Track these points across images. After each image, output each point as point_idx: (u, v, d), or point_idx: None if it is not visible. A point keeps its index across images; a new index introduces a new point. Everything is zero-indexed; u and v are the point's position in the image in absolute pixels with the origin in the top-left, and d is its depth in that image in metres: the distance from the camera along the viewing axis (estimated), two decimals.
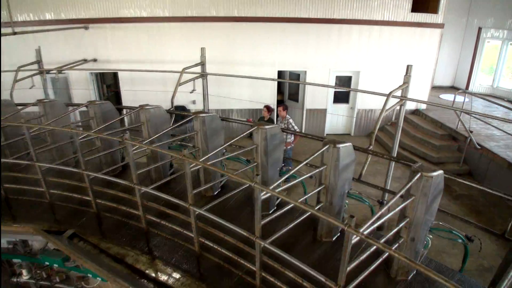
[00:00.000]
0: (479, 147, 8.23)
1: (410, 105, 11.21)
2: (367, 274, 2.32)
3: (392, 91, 4.61)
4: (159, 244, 3.60)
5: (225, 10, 9.82)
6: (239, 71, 9.30)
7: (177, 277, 3.27)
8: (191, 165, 2.93)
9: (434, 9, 10.32)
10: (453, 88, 14.10)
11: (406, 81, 4.92)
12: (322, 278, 2.31)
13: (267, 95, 10.75)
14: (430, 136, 9.88)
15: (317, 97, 10.98)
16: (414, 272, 3.15)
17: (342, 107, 11.45)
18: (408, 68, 4.90)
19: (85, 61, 10.20)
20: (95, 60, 10.32)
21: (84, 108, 4.87)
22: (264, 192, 2.52)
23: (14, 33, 7.23)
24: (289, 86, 12.01)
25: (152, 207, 3.51)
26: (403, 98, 4.96)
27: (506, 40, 12.52)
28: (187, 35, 9.99)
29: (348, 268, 2.11)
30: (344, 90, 11.27)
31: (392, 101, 4.87)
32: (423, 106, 11.38)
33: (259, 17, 9.90)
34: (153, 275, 3.35)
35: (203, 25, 9.93)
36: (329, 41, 10.37)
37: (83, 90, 10.61)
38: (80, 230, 3.94)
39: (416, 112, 11.43)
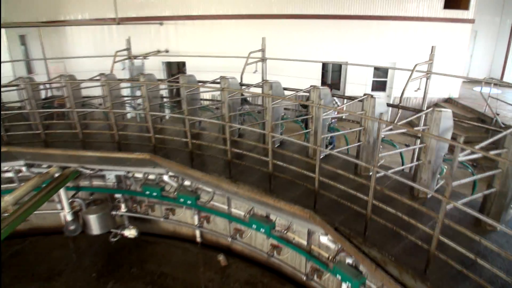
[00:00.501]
0: (503, 125, 9.29)
1: (442, 94, 12.28)
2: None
3: (417, 64, 6.03)
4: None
5: (279, 8, 11.49)
6: (290, 62, 10.92)
7: None
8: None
9: (465, 6, 11.39)
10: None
11: (431, 58, 6.30)
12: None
13: (313, 83, 12.27)
14: (460, 120, 10.96)
15: (356, 85, 12.34)
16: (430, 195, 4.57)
17: (380, 95, 12.72)
18: (432, 48, 6.28)
19: (159, 51, 12.24)
20: (167, 51, 12.34)
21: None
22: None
23: (118, 23, 9.38)
24: (332, 76, 13.44)
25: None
26: (429, 72, 6.34)
27: None
28: (246, 31, 11.75)
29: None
30: (382, 80, 12.56)
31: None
32: (455, 95, 12.42)
33: (307, 14, 11.47)
34: None
35: (259, 22, 11.65)
36: (369, 35, 11.73)
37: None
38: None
39: (448, 100, 12.49)
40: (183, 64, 13.21)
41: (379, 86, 12.56)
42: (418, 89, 6.42)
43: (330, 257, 5.06)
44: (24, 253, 8.61)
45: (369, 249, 3.74)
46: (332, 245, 5.01)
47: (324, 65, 13.07)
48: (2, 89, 7.64)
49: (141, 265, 8.08)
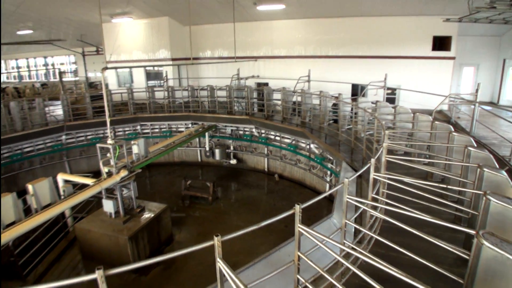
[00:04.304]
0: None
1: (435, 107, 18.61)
2: None
3: (450, 94, 13.40)
4: None
5: (320, 51, 19.39)
6: (331, 84, 18.59)
7: None
8: None
9: (448, 48, 17.79)
10: (491, 103, 20.43)
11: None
12: None
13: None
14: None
15: (373, 99, 19.36)
16: None
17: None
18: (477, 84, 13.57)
19: (253, 76, 20.98)
20: (258, 76, 21.01)
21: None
22: None
23: (235, 61, 18.32)
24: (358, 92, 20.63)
25: None
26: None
27: None
28: (300, 64, 19.79)
29: None
30: (393, 96, 19.35)
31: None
32: (445, 108, 18.61)
33: (337, 55, 19.14)
34: None
35: (309, 60, 19.65)
36: (382, 67, 18.80)
37: None
38: None
39: (439, 111, 18.68)
40: (267, 83, 21.83)
41: (390, 99, 19.33)
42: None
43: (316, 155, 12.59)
44: (178, 171, 17.48)
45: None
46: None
47: (353, 85, 20.39)
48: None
49: (237, 178, 16.32)
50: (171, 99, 17.11)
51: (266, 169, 16.48)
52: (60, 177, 10.17)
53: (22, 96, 22.24)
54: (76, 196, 8.10)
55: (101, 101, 16.27)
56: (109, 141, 9.17)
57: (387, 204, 4.68)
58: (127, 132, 16.70)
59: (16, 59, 34.21)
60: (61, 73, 19.99)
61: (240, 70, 19.83)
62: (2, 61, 34.93)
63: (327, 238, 3.37)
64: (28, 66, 34.29)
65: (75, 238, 10.11)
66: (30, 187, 7.35)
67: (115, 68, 20.50)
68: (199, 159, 17.92)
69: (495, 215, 3.58)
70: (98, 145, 9.27)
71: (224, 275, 3.02)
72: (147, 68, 21.72)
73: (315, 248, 3.85)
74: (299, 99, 14.29)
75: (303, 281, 3.50)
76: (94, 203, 11.24)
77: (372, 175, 4.90)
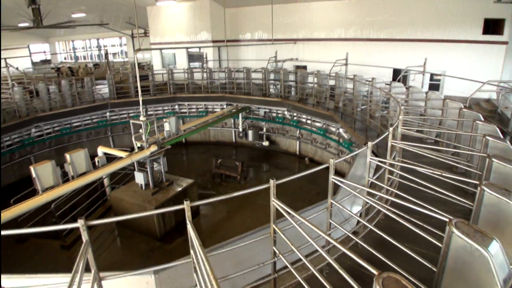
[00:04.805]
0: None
1: (483, 95, 17.30)
2: None
3: (488, 81, 12.76)
4: None
5: (359, 34, 18.66)
6: (368, 66, 17.95)
7: None
8: None
9: (500, 32, 16.35)
10: None
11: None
12: None
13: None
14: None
15: (416, 85, 18.41)
16: None
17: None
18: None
19: (292, 59, 20.80)
20: (297, 59, 20.80)
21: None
22: None
23: (272, 43, 18.27)
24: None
25: None
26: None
27: None
28: (343, 47, 19.27)
29: None
30: (437, 83, 18.26)
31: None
32: (493, 97, 17.25)
33: (380, 38, 18.31)
34: None
35: (347, 42, 19.00)
36: (426, 51, 17.74)
37: None
38: None
39: (488, 100, 17.37)
40: (305, 66, 21.54)
41: (434, 86, 18.23)
42: None
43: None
44: (213, 151, 18.05)
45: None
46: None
47: (395, 70, 19.48)
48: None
49: (268, 159, 16.55)
50: (209, 81, 17.59)
51: (297, 152, 16.52)
52: (100, 150, 11.08)
53: (76, 75, 24.00)
54: (108, 167, 8.83)
55: (146, 81, 17.20)
56: (141, 118, 9.77)
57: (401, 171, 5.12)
58: (165, 111, 17.50)
59: (73, 41, 36.74)
60: (107, 54, 21.19)
61: (279, 52, 19.76)
62: (60, 42, 37.71)
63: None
64: (84, 47, 36.74)
65: (111, 206, 11.02)
66: (68, 156, 8.15)
67: (149, 49, 21.37)
68: (234, 140, 18.35)
69: (490, 207, 3.45)
70: (131, 121, 9.92)
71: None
72: (190, 50, 22.36)
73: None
74: (332, 83, 14.06)
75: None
76: (131, 175, 12.09)
77: (369, 159, 4.90)
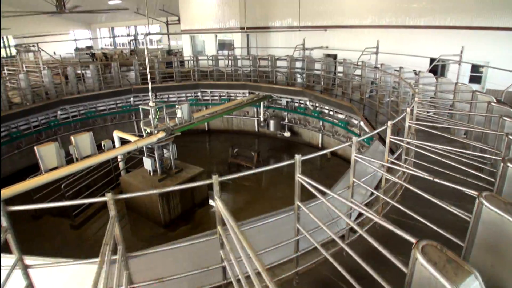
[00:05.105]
0: None
1: None
2: None
3: None
4: None
5: (389, 21, 17.35)
6: (406, 58, 16.73)
7: None
8: None
9: None
10: None
11: None
12: None
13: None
14: None
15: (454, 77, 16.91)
16: None
17: (475, 87, 16.84)
18: None
19: (321, 47, 19.92)
20: (327, 47, 19.90)
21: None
22: None
23: (299, 30, 17.53)
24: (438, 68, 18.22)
25: None
26: None
27: None
28: (376, 35, 18.10)
29: None
30: (479, 75, 16.65)
31: None
32: None
33: (417, 25, 16.92)
34: None
35: (377, 29, 17.77)
36: (468, 39, 16.17)
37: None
38: None
39: None
40: (335, 56, 20.56)
41: (475, 78, 16.61)
42: None
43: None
44: (235, 139, 17.83)
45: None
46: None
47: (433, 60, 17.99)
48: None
49: (289, 151, 16.06)
50: (233, 68, 17.29)
51: (320, 145, 15.87)
52: (115, 134, 11.23)
53: (110, 60, 24.72)
54: (113, 151, 8.86)
55: (172, 67, 17.29)
56: (150, 103, 9.70)
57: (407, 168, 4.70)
58: (188, 98, 17.49)
59: (112, 28, 37.94)
60: (135, 41, 21.53)
61: (309, 40, 18.99)
62: (102, 29, 39.11)
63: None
64: (124, 34, 37.85)
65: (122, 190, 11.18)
66: (72, 139, 8.26)
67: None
68: (256, 129, 18.02)
69: None
70: (140, 106, 9.88)
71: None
72: (219, 37, 22.16)
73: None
74: (358, 72, 13.21)
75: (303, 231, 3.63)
76: None
77: (389, 137, 4.74)
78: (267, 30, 21.28)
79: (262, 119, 16.53)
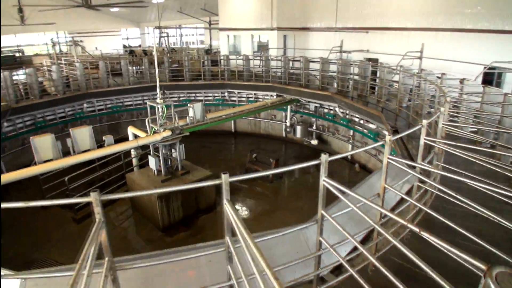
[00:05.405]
0: None
1: None
2: None
3: None
4: None
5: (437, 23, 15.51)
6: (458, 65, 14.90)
7: None
8: None
9: None
10: None
11: None
12: None
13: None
14: None
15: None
16: None
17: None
18: None
19: (362, 50, 18.51)
20: (367, 51, 18.45)
21: None
22: None
23: (336, 31, 16.33)
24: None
25: None
26: None
27: None
28: (422, 39, 16.38)
29: None
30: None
31: None
32: None
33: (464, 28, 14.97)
34: None
35: (422, 32, 15.99)
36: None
37: None
38: None
39: None
40: (377, 59, 19.00)
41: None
42: None
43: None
44: (261, 143, 16.98)
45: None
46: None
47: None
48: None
49: (316, 158, 14.91)
50: (264, 69, 16.54)
51: (349, 156, 14.57)
52: (129, 130, 10.94)
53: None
54: (112, 147, 8.49)
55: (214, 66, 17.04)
56: (158, 100, 9.24)
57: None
58: (215, 98, 17.02)
59: (160, 26, 38.93)
60: (164, 38, 21.58)
61: (350, 42, 17.76)
62: (150, 28, 40.33)
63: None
64: (169, 33, 38.69)
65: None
66: (71, 131, 8.00)
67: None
68: (284, 134, 17.09)
69: None
70: (148, 103, 9.46)
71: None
72: (255, 36, 21.56)
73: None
74: (396, 78, 11.84)
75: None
76: None
77: (423, 139, 4.14)
78: (305, 30, 20.28)
79: (288, 124, 15.59)
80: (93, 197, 2.27)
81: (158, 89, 9.55)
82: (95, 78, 15.34)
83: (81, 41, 28.65)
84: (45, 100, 12.88)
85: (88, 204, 7.61)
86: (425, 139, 4.16)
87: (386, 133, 10.29)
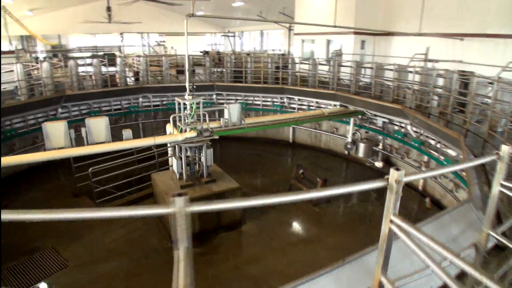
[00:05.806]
0: None
1: None
2: None
3: None
4: None
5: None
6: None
7: None
8: None
9: None
10: None
11: None
12: None
13: None
14: None
15: None
16: None
17: None
18: None
19: (455, 61, 15.44)
20: (461, 61, 15.33)
21: None
22: None
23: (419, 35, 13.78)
24: None
25: None
26: None
27: None
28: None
29: None
30: None
31: None
32: None
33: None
34: None
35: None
36: None
37: None
38: None
39: None
40: (472, 72, 15.70)
41: None
42: None
43: None
44: (320, 158, 15.08)
45: None
46: None
47: None
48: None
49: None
50: (332, 75, 14.76)
51: (420, 187, 11.94)
52: (167, 127, 10.34)
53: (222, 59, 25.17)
54: (128, 142, 7.80)
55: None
56: (186, 96, 8.34)
57: None
58: (274, 103, 15.76)
59: (242, 32, 39.46)
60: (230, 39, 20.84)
61: (439, 51, 15.02)
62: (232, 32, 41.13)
63: None
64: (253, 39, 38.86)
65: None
66: (86, 121, 7.50)
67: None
68: (346, 151, 15.00)
69: None
70: (176, 98, 8.62)
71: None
72: (331, 41, 19.83)
73: None
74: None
75: None
76: None
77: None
78: (386, 36, 17.87)
79: (349, 139, 13.52)
80: (178, 207, 1.57)
81: (187, 86, 8.65)
82: (155, 73, 15.39)
83: (163, 41, 30.11)
84: (99, 90, 13.11)
85: (114, 199, 6.91)
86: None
87: (461, 157, 7.80)
